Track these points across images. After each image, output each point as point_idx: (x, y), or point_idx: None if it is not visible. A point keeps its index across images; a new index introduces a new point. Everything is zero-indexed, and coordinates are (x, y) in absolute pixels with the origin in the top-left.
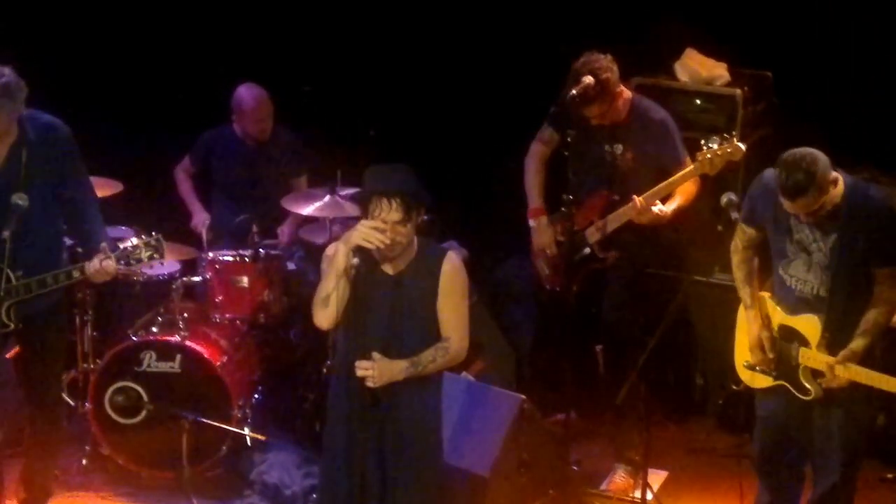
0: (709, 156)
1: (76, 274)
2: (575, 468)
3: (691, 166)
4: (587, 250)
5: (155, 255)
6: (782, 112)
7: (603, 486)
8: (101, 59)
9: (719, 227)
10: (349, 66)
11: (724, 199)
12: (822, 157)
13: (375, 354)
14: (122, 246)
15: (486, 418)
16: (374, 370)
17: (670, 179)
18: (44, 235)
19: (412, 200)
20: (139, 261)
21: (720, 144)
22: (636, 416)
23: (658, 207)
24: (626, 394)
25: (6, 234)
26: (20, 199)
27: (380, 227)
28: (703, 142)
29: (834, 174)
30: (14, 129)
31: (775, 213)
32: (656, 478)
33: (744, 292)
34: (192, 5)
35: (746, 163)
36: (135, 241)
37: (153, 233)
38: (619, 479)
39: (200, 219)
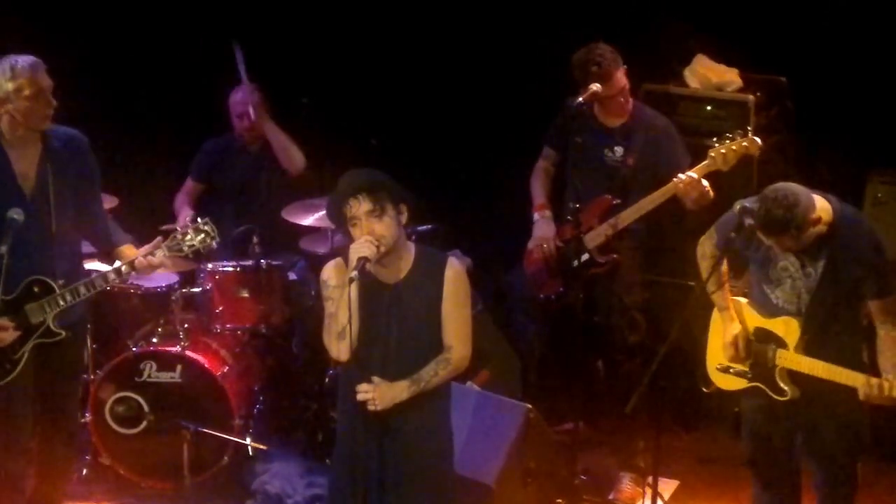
0: (722, 151)
1: (125, 269)
2: (582, 477)
3: (706, 161)
4: (585, 256)
5: (207, 240)
6: (797, 117)
7: (611, 496)
8: (97, 72)
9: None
10: (350, 77)
11: (737, 206)
12: (803, 195)
13: (375, 378)
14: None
15: (493, 428)
16: (375, 393)
17: (699, 167)
18: (74, 244)
19: (377, 191)
20: (192, 247)
21: (733, 139)
22: (644, 424)
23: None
24: (635, 402)
25: (3, 248)
26: (16, 214)
27: (369, 239)
28: (714, 140)
29: (819, 207)
30: (38, 144)
31: (756, 245)
32: (667, 486)
33: (717, 296)
34: (189, 18)
35: (760, 167)
36: (182, 228)
37: (199, 218)
38: (627, 487)
39: (185, 214)
